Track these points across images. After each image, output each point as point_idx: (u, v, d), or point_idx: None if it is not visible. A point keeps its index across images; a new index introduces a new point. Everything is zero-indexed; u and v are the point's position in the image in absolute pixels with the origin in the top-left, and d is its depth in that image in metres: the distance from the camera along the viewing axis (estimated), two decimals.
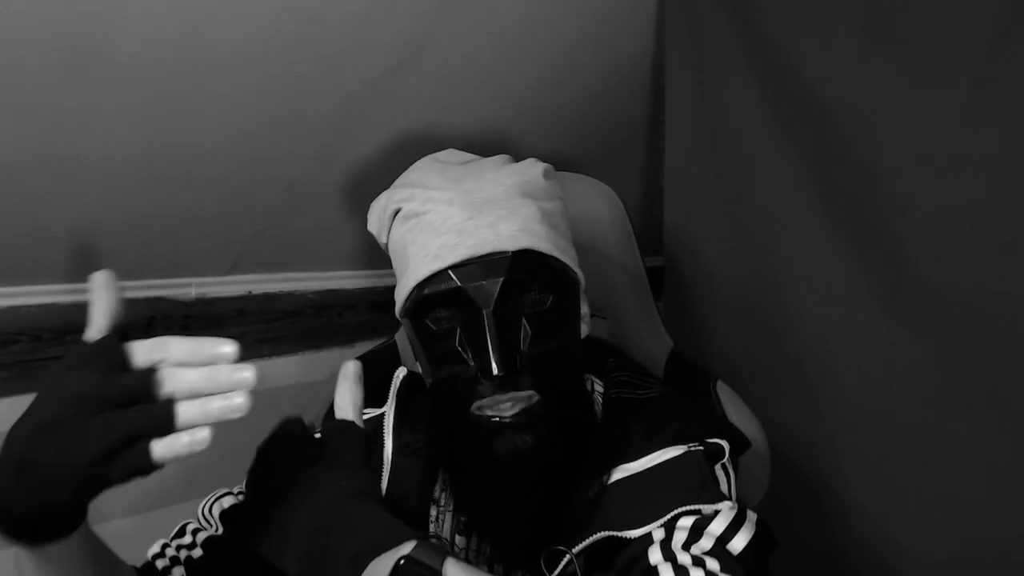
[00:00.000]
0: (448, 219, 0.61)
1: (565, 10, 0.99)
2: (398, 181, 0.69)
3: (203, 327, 1.06)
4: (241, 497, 0.70)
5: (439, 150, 0.72)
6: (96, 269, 0.98)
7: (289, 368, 1.16)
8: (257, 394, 1.28)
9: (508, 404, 0.59)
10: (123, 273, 1.01)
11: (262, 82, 0.81)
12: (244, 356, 1.31)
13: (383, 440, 0.70)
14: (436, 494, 0.68)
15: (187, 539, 0.67)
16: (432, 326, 0.62)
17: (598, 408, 0.71)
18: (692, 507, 0.57)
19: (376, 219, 0.68)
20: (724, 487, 0.61)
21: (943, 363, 0.82)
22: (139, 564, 0.66)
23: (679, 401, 0.71)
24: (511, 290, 0.60)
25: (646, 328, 0.98)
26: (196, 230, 0.96)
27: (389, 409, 0.72)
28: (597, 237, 0.95)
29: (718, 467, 0.63)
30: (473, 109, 1.05)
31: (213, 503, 0.70)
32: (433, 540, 0.66)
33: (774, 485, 0.86)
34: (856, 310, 0.89)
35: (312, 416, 0.88)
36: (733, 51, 0.99)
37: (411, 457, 0.69)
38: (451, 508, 0.67)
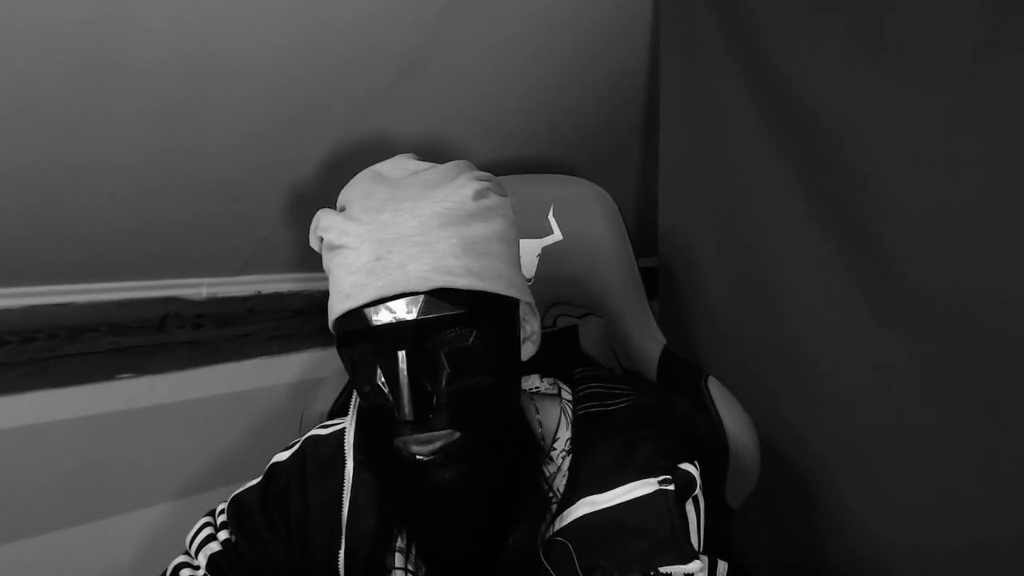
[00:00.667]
0: (359, 257, 0.58)
1: (563, 20, 0.99)
2: (339, 196, 0.65)
3: (214, 325, 1.06)
4: (223, 536, 0.69)
5: (443, 156, 0.70)
6: (111, 270, 0.99)
7: (298, 365, 1.17)
8: (269, 389, 1.28)
9: (425, 443, 0.57)
10: (136, 273, 1.02)
11: (271, 90, 0.81)
12: (254, 353, 1.32)
13: (344, 456, 0.68)
14: None
15: None
16: (355, 359, 0.60)
17: (567, 423, 0.68)
18: (664, 570, 0.56)
19: (313, 240, 0.65)
20: (693, 527, 0.60)
21: (930, 361, 0.81)
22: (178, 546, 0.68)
23: (650, 413, 0.67)
24: (426, 330, 0.57)
25: (640, 326, 0.97)
26: (207, 232, 0.96)
27: (350, 425, 0.69)
28: (593, 239, 0.95)
29: (689, 503, 0.61)
30: (474, 115, 1.05)
31: (200, 546, 0.68)
32: (397, 554, 0.64)
33: (764, 478, 0.86)
34: (845, 309, 0.89)
35: (320, 410, 0.88)
36: (725, 59, 0.99)
37: (373, 472, 0.66)
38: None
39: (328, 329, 0.63)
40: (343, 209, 0.62)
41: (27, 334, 0.88)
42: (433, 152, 0.76)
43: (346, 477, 0.67)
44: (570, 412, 0.69)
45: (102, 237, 0.87)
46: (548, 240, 0.94)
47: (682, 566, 0.56)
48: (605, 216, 0.96)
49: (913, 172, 0.81)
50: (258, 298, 1.10)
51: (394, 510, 0.64)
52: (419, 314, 0.57)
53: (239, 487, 0.73)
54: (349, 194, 0.63)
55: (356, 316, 0.57)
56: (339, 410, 0.85)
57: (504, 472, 0.60)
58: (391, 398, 0.57)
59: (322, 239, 0.62)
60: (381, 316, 0.57)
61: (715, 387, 0.86)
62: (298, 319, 1.15)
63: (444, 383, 0.57)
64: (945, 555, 0.83)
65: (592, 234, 0.94)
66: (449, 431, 0.57)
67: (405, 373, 0.55)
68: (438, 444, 0.57)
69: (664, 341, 0.96)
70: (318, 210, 0.64)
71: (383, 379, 0.58)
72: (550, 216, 0.95)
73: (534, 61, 1.03)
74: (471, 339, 0.59)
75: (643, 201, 1.35)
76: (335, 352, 1.24)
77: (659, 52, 1.09)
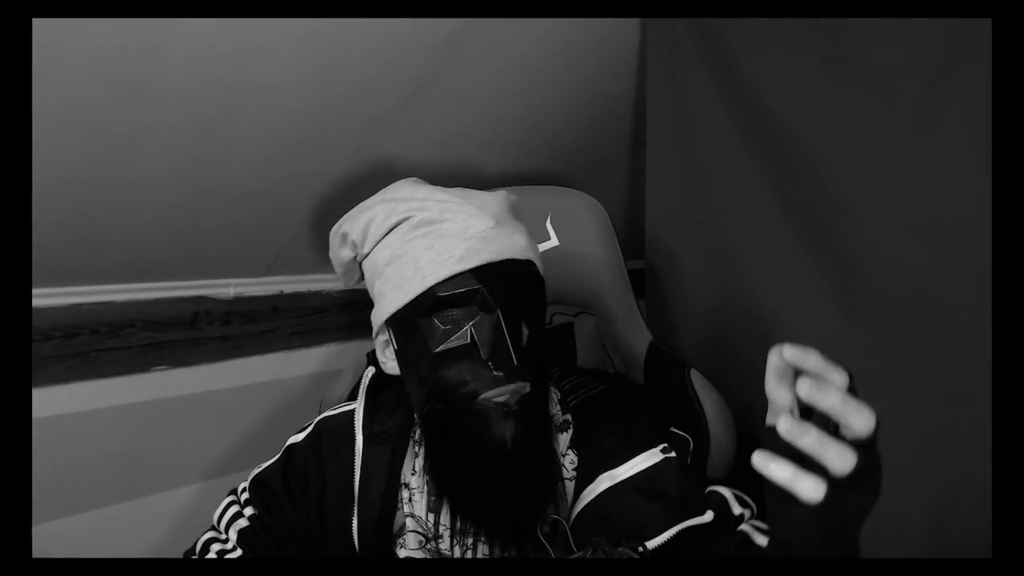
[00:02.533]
0: (471, 227, 0.60)
1: (559, 47, 0.99)
2: (386, 196, 0.66)
3: (241, 322, 1.07)
4: (249, 512, 0.69)
5: (451, 170, 0.72)
6: (147, 272, 1.00)
7: (317, 358, 1.18)
8: (290, 380, 1.29)
9: (510, 393, 0.59)
10: (170, 275, 1.03)
11: (293, 110, 0.82)
12: (277, 347, 1.32)
13: (354, 433, 0.69)
14: (405, 478, 0.67)
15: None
16: (440, 325, 0.60)
17: (558, 413, 0.70)
18: (683, 525, 0.58)
19: (361, 231, 0.65)
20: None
21: (887, 354, 0.82)
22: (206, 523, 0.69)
23: (629, 388, 0.71)
24: (517, 294, 0.60)
25: (629, 323, 0.98)
26: (235, 238, 0.97)
27: (359, 406, 0.71)
28: (586, 244, 0.96)
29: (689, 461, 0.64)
30: (477, 133, 1.06)
31: (229, 522, 0.68)
32: (408, 518, 0.65)
33: (739, 458, 0.86)
34: (813, 307, 0.90)
35: (337, 395, 0.88)
36: (706, 81, 0.99)
37: (380, 445, 0.68)
38: (423, 490, 0.66)
39: (347, 325, 0.64)
40: (403, 207, 0.64)
41: (71, 330, 0.89)
42: (441, 165, 0.76)
43: (356, 451, 0.68)
44: (555, 392, 0.71)
45: (139, 242, 0.88)
46: (546, 245, 0.95)
47: (699, 518, 0.58)
48: (597, 224, 0.97)
49: (875, 184, 0.81)
50: (281, 297, 1.11)
51: (445, 472, 0.62)
52: (518, 280, 0.61)
53: (259, 466, 0.73)
54: (411, 190, 0.65)
55: (463, 279, 0.59)
56: (352, 397, 0.86)
57: (544, 430, 0.63)
58: (484, 353, 0.58)
59: (403, 220, 0.63)
60: (487, 279, 0.59)
61: (696, 378, 0.87)
62: (317, 316, 1.16)
63: (525, 342, 0.60)
64: (905, 532, 0.84)
65: (585, 240, 0.95)
66: (525, 383, 0.59)
67: (510, 329, 0.58)
68: (518, 396, 0.59)
69: (650, 337, 0.97)
70: (352, 211, 0.67)
71: (475, 339, 0.59)
72: (548, 224, 0.95)
73: (532, 84, 1.03)
74: (537, 308, 0.64)
75: (631, 209, 1.36)
76: (350, 346, 1.25)
77: (646, 75, 1.10)
